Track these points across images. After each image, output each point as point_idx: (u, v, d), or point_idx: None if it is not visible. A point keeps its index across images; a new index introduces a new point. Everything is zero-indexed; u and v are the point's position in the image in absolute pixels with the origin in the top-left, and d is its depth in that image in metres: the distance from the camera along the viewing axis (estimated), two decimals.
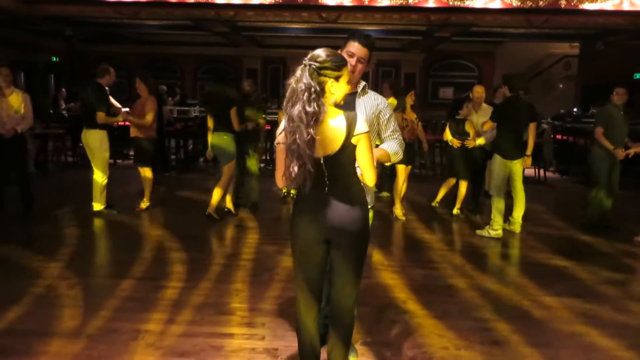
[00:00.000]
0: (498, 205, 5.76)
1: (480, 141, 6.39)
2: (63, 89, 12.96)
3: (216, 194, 6.13)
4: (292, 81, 2.29)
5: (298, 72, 2.29)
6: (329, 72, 2.31)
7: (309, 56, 2.32)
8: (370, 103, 2.81)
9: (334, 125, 2.29)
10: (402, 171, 6.45)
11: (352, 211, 2.38)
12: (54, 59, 15.42)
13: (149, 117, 6.25)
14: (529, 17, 9.90)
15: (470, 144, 6.41)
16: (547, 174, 9.80)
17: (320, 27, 10.95)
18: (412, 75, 16.33)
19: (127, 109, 6.64)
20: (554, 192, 8.81)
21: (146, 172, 6.51)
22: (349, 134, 2.29)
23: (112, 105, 6.34)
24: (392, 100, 7.46)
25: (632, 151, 5.93)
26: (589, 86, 13.84)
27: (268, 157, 10.17)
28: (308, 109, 2.22)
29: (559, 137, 10.70)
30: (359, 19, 10.18)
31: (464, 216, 6.74)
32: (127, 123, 6.83)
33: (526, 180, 6.08)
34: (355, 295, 2.56)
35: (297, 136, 2.21)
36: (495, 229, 5.77)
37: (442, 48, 14.57)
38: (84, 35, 13.61)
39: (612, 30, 10.78)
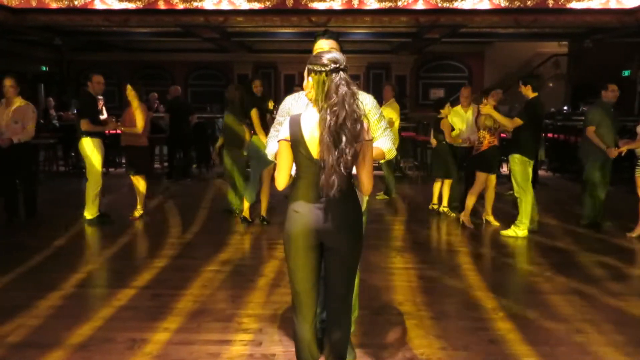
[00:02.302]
0: (527, 206, 5.73)
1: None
2: (51, 98, 12.89)
3: (264, 200, 6.33)
4: (345, 89, 2.24)
5: (344, 77, 2.26)
6: (347, 69, 2.34)
7: (330, 58, 2.28)
8: (366, 104, 2.75)
9: None
10: (483, 179, 6.08)
11: (347, 215, 2.38)
12: (44, 68, 15.34)
13: (140, 125, 6.23)
14: (517, 17, 9.97)
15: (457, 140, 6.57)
16: (540, 172, 9.85)
17: (311, 31, 10.95)
18: (403, 77, 16.36)
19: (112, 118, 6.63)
20: (548, 190, 8.84)
21: (139, 181, 6.49)
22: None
23: (98, 113, 6.32)
24: (396, 105, 7.50)
25: (624, 149, 5.95)
26: (578, 84, 13.94)
27: None
28: (358, 116, 2.25)
29: (550, 135, 10.77)
30: (349, 22, 10.20)
31: (454, 215, 6.79)
32: (118, 131, 6.81)
33: None
34: (350, 299, 2.56)
35: (348, 148, 2.21)
36: (523, 229, 5.77)
37: (432, 49, 14.63)
38: (74, 44, 13.55)
39: (600, 28, 10.87)
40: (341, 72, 2.27)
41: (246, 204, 6.30)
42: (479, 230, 6.09)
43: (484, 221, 6.30)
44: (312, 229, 2.37)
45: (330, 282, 2.50)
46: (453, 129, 6.70)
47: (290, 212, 2.43)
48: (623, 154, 6.02)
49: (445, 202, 6.86)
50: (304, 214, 2.37)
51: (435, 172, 6.99)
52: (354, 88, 2.27)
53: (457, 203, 6.92)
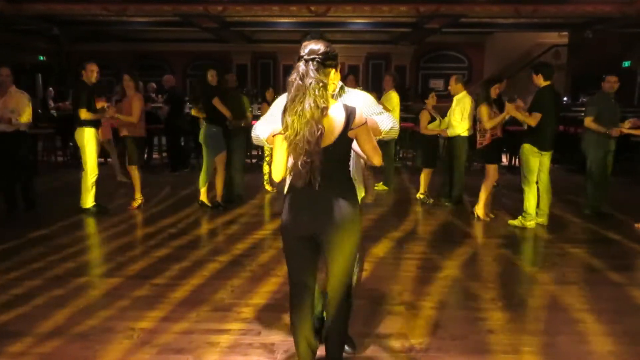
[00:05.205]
0: (530, 196, 5.69)
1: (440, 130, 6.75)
2: (51, 89, 12.83)
3: (219, 186, 6.60)
4: (295, 77, 2.24)
5: (302, 68, 2.25)
6: (332, 62, 2.32)
7: (306, 50, 2.28)
8: (356, 104, 2.70)
9: (333, 116, 2.26)
10: (494, 171, 6.03)
11: (344, 206, 2.36)
12: (41, 58, 15.26)
13: (136, 115, 6.23)
14: (517, 7, 9.92)
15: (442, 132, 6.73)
16: None
17: (310, 20, 10.90)
18: (403, 67, 16.31)
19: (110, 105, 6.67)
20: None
21: (133, 171, 6.49)
22: (347, 126, 2.27)
23: (94, 102, 6.30)
24: (394, 95, 7.50)
25: (626, 127, 5.88)
26: (578, 75, 13.90)
27: (260, 152, 10.12)
28: (320, 104, 2.20)
29: None
30: (348, 11, 10.16)
31: (432, 201, 6.96)
32: (115, 123, 6.80)
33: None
34: (347, 288, 2.56)
35: (307, 132, 2.19)
36: (529, 220, 5.74)
37: (432, 40, 14.56)
38: (72, 34, 13.47)
39: (600, 18, 10.82)
40: (311, 63, 2.25)
41: (202, 189, 6.51)
42: (483, 221, 6.08)
43: (476, 215, 6.19)
44: (304, 220, 2.37)
45: (328, 270, 2.50)
46: (434, 120, 6.72)
47: (285, 203, 2.44)
48: (629, 128, 5.94)
49: (422, 189, 6.97)
50: (299, 205, 2.37)
51: (418, 161, 7.15)
52: (322, 80, 2.24)
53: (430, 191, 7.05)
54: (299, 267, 2.49)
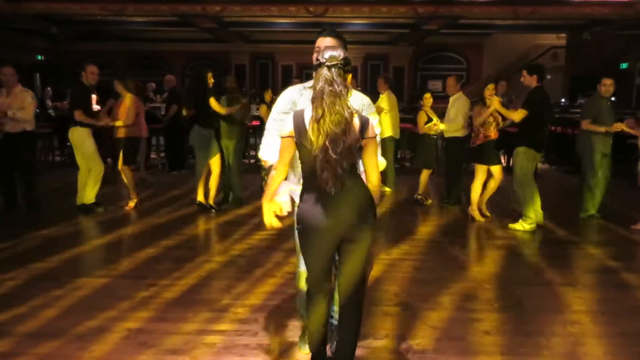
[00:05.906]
0: (530, 198, 5.63)
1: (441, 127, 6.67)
2: (49, 88, 12.81)
3: (213, 188, 6.52)
4: (324, 85, 2.25)
5: (326, 74, 2.26)
6: (349, 67, 2.35)
7: (326, 56, 2.29)
8: (358, 103, 2.69)
9: (354, 122, 2.29)
10: (483, 172, 6.01)
11: (354, 208, 2.37)
12: (39, 57, 15.24)
13: (122, 118, 6.28)
14: (516, 8, 9.95)
15: (433, 129, 6.68)
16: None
17: (308, 21, 10.91)
18: (401, 68, 16.34)
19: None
20: (545, 182, 8.82)
21: (125, 171, 6.52)
22: (361, 134, 2.29)
23: (91, 104, 6.32)
24: (391, 96, 7.50)
25: (625, 126, 5.89)
26: (576, 77, 13.92)
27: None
28: (352, 109, 2.25)
29: None
30: (347, 12, 10.17)
31: (430, 202, 6.97)
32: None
33: None
34: (360, 288, 2.58)
35: (347, 139, 2.21)
36: (530, 223, 5.67)
37: (430, 41, 14.59)
38: (70, 34, 13.46)
39: (599, 20, 10.85)
40: (334, 69, 2.27)
41: (199, 190, 6.47)
42: (481, 222, 6.08)
43: (470, 217, 6.17)
44: (320, 223, 2.37)
45: (343, 273, 2.52)
46: (431, 120, 6.69)
47: (300, 206, 2.45)
48: (626, 128, 5.95)
49: (420, 190, 6.94)
50: (312, 208, 2.37)
51: (416, 162, 7.12)
52: (344, 86, 2.26)
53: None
54: (321, 266, 2.49)
